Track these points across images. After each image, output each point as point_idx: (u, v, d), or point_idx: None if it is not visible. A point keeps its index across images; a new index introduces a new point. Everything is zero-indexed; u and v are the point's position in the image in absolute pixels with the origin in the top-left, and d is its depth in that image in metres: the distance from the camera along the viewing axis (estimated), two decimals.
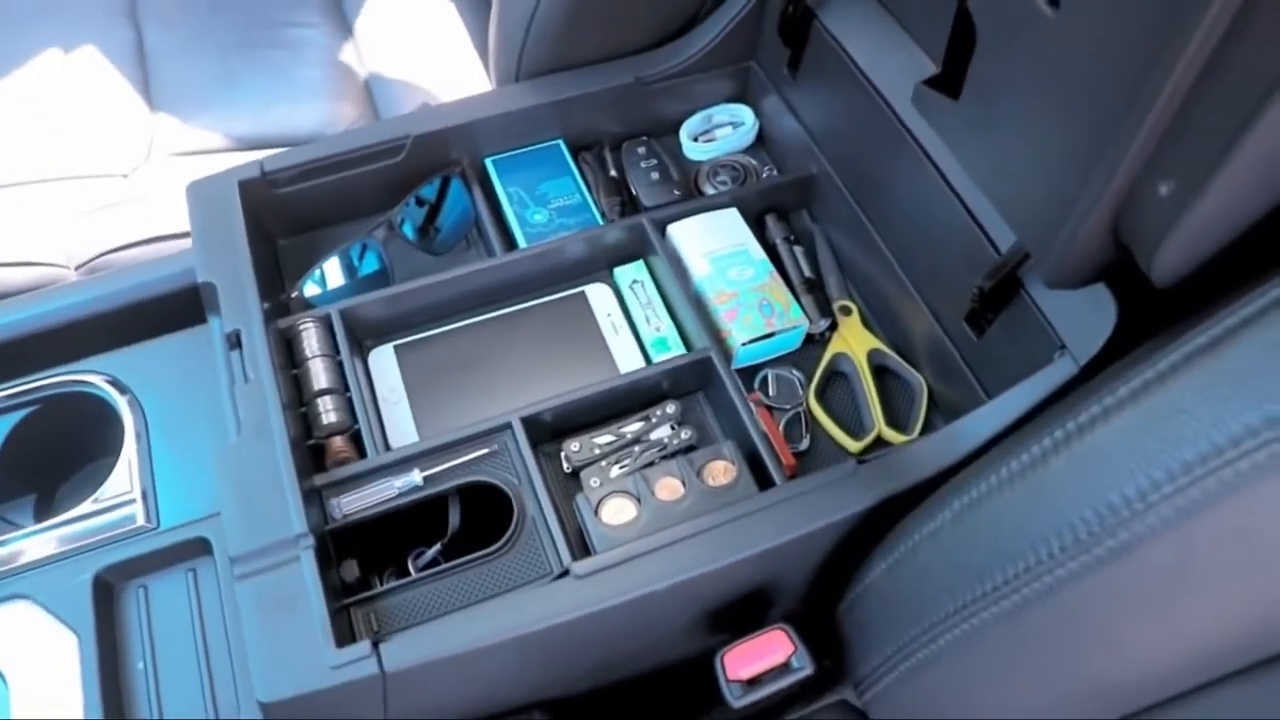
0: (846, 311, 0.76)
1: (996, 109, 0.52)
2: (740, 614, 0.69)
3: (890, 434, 0.71)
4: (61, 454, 0.78)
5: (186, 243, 0.89)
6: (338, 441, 0.67)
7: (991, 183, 0.56)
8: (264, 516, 0.60)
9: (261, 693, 0.54)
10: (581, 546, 0.63)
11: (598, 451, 0.68)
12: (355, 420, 0.67)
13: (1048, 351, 0.61)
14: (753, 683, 0.63)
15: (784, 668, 0.63)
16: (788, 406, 0.73)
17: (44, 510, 0.77)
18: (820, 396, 0.73)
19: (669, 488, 0.64)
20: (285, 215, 0.79)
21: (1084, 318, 0.59)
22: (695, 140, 0.86)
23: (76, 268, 0.88)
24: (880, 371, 0.74)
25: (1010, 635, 0.53)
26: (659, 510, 0.63)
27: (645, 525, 0.62)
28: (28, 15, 1.04)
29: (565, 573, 0.58)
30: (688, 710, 0.79)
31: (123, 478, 0.70)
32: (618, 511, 0.63)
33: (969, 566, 0.53)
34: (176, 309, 0.80)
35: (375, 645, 0.55)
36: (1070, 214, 0.49)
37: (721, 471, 0.64)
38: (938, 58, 0.65)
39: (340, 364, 0.70)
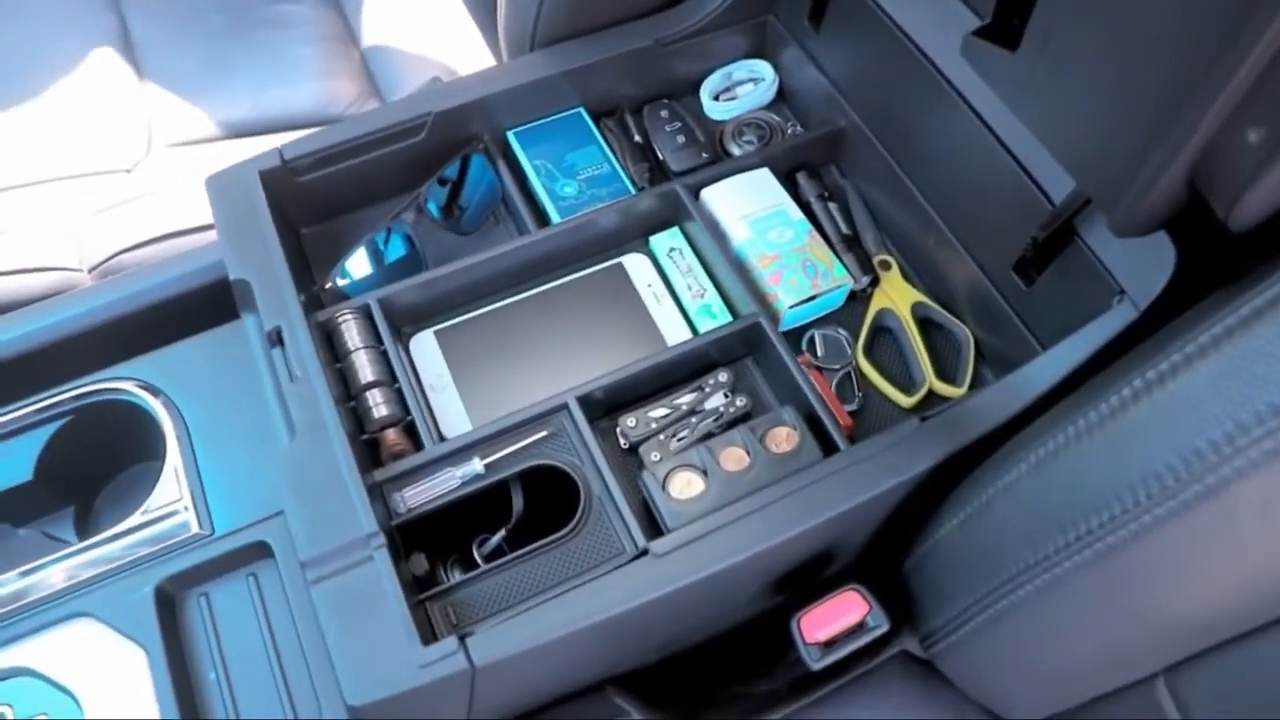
0: (886, 266, 0.76)
1: (1063, 58, 0.51)
2: (802, 575, 0.69)
3: (942, 387, 0.71)
4: (96, 464, 0.76)
5: (200, 238, 0.87)
6: (391, 434, 0.66)
7: (1051, 134, 0.55)
8: (331, 518, 0.59)
9: (351, 696, 0.54)
10: (649, 523, 0.63)
11: (654, 426, 0.67)
12: (407, 411, 0.66)
13: (1105, 298, 0.61)
14: (829, 644, 0.63)
15: (859, 627, 0.64)
16: (837, 366, 0.72)
17: (84, 523, 0.76)
18: (868, 353, 0.73)
19: (734, 457, 0.63)
20: (307, 203, 0.76)
21: (1142, 263, 0.59)
22: (716, 99, 0.84)
23: (90, 270, 0.85)
24: (924, 324, 0.74)
25: (1092, 583, 0.53)
26: (727, 481, 0.62)
27: (715, 498, 0.62)
28: (2, 6, 0.99)
29: (644, 552, 0.58)
30: (746, 669, 0.80)
31: (170, 485, 0.68)
32: (685, 485, 0.63)
33: (1049, 517, 0.54)
34: (202, 307, 0.78)
35: (461, 640, 0.55)
36: (1145, 163, 0.48)
37: (784, 438, 0.64)
38: (982, 7, 0.64)
39: (385, 354, 0.68)
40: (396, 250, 0.76)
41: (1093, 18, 0.48)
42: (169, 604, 0.65)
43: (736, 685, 0.77)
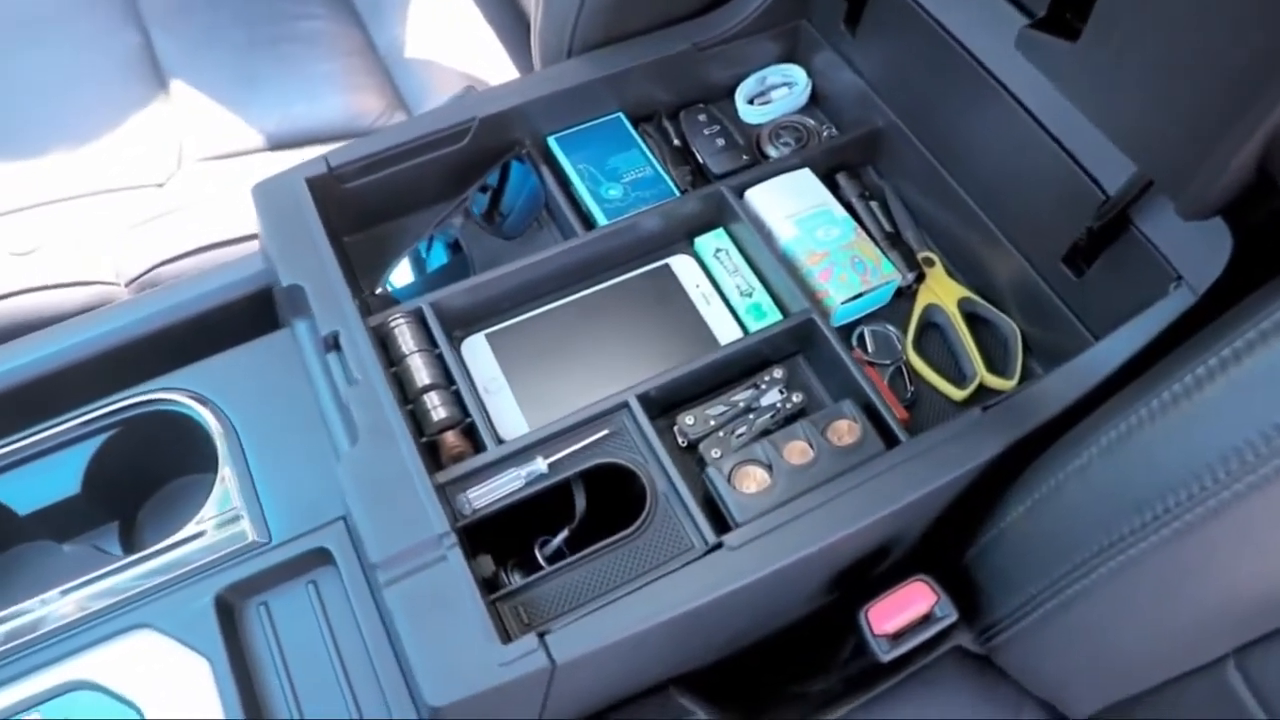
0: (930, 263, 0.77)
1: (1129, 45, 0.52)
2: (859, 570, 0.69)
3: (993, 380, 0.71)
4: (142, 477, 0.75)
5: (234, 250, 0.87)
6: (450, 437, 0.66)
7: (1113, 121, 0.56)
8: (401, 519, 0.58)
9: (432, 697, 0.53)
10: (715, 519, 0.63)
11: (713, 423, 0.67)
12: (466, 413, 0.66)
13: (1160, 285, 0.61)
14: (897, 636, 0.63)
15: (926, 618, 0.64)
16: (888, 361, 0.73)
17: (128, 537, 0.75)
18: (918, 348, 0.73)
19: (798, 451, 0.64)
20: (350, 210, 0.76)
21: (1198, 248, 0.60)
22: (751, 103, 0.85)
23: (127, 284, 0.85)
24: (971, 319, 0.75)
25: (1167, 563, 0.54)
26: (793, 475, 0.62)
27: (782, 491, 0.62)
28: (27, 25, 0.99)
29: (717, 546, 0.58)
30: (800, 669, 0.79)
31: (224, 494, 0.67)
32: (752, 479, 0.63)
33: (1123, 498, 0.54)
34: (242, 319, 0.77)
35: (541, 637, 0.54)
36: (1218, 145, 0.49)
37: (846, 430, 0.64)
38: (1028, 1, 0.65)
39: (440, 357, 0.68)
40: (439, 257, 0.76)
41: (1161, 6, 0.49)
42: (229, 613, 0.64)
43: (792, 685, 0.77)
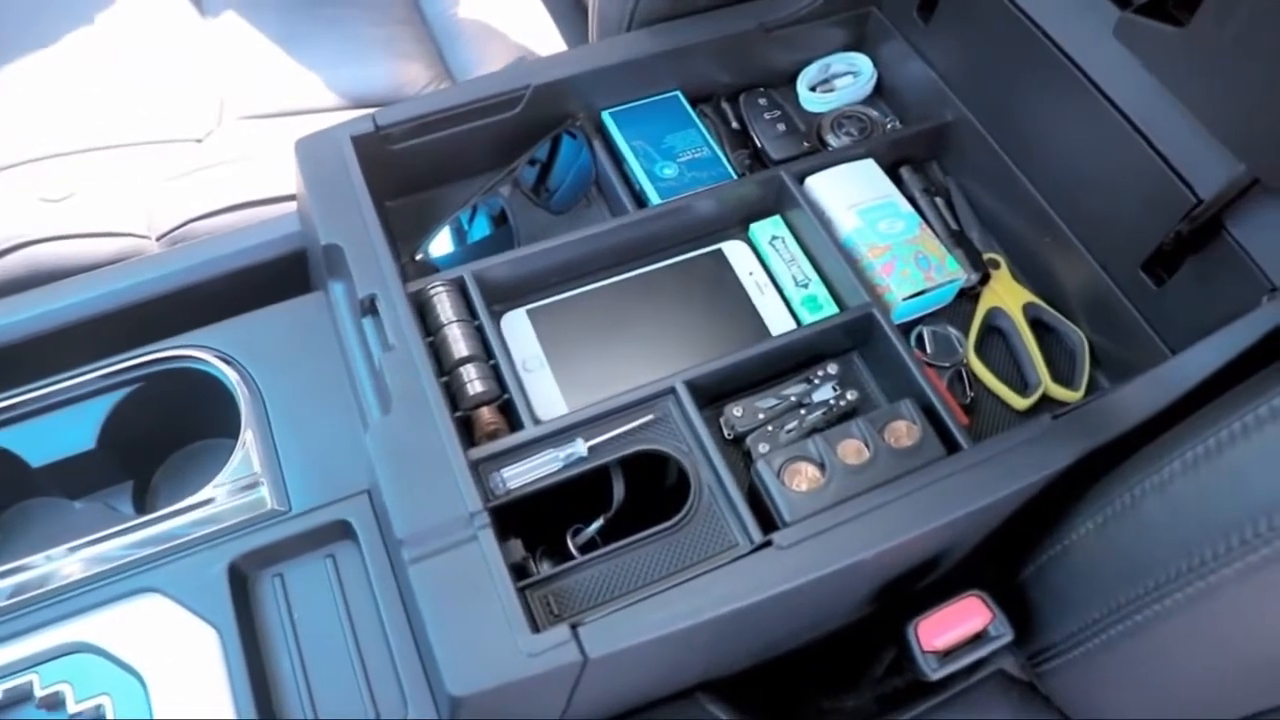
0: (995, 264, 0.73)
1: (1248, 32, 0.48)
2: (907, 580, 0.65)
3: (1058, 390, 0.67)
4: (160, 437, 0.72)
5: (270, 210, 0.84)
6: (486, 413, 0.62)
7: (1219, 114, 0.53)
8: (431, 494, 0.55)
9: (453, 685, 0.50)
10: (761, 516, 0.59)
11: (762, 416, 0.64)
12: (503, 389, 0.63)
13: (1253, 295, 0.58)
14: (947, 654, 0.60)
15: (979, 637, 0.60)
16: (947, 364, 0.69)
17: (143, 498, 0.72)
18: (979, 352, 0.70)
19: (853, 450, 0.60)
20: (395, 174, 0.73)
21: None
22: (813, 90, 0.82)
23: (158, 238, 0.82)
24: (1035, 325, 0.71)
25: (1254, 593, 0.50)
26: (847, 475, 0.59)
27: (836, 491, 0.58)
28: None
29: (766, 544, 0.54)
30: (832, 683, 0.76)
31: (245, 459, 0.64)
32: (803, 477, 0.59)
33: (1208, 520, 0.50)
34: (275, 278, 0.75)
35: (574, 629, 0.51)
36: None
37: (905, 432, 0.61)
38: None
39: (480, 329, 0.65)
40: (482, 228, 0.73)
41: None
42: (242, 583, 0.60)
43: (823, 699, 0.73)
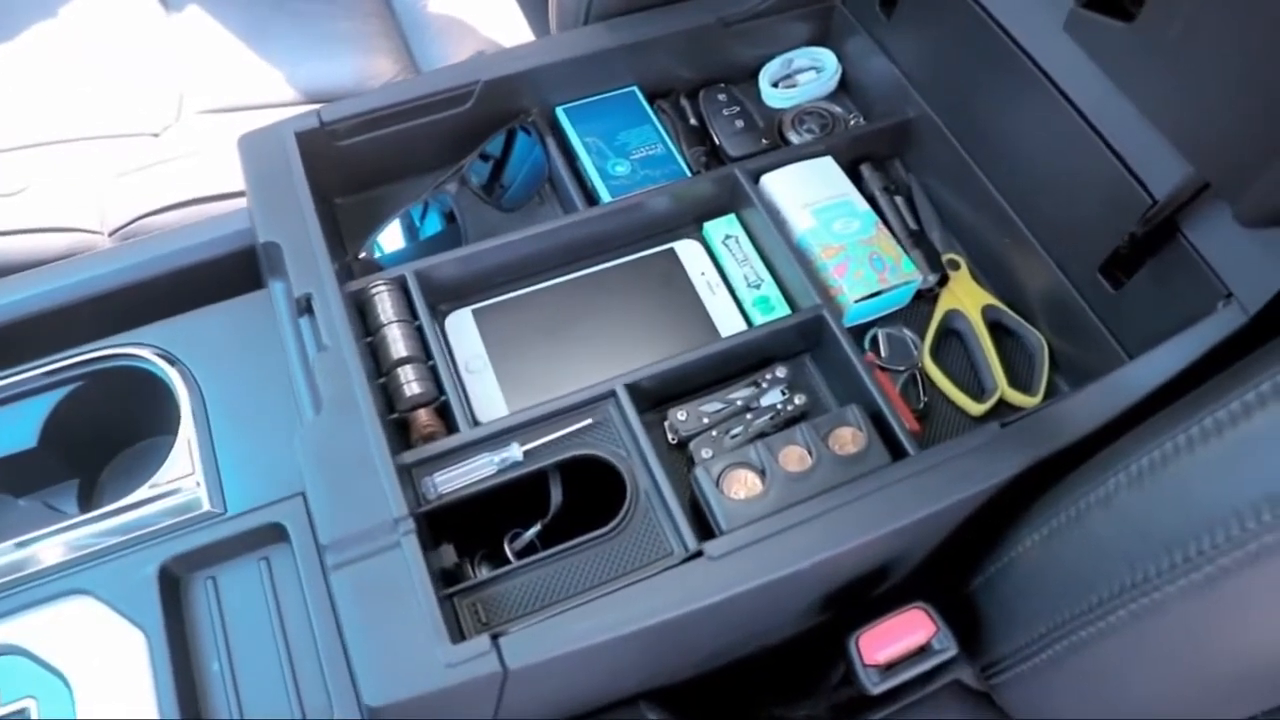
0: (955, 265, 0.71)
1: (1192, 31, 0.46)
2: (855, 591, 0.64)
3: (1015, 395, 0.66)
4: (105, 435, 0.71)
5: (225, 205, 0.83)
6: (423, 415, 0.61)
7: (1167, 115, 0.51)
8: (356, 499, 0.54)
9: (370, 695, 0.49)
10: (700, 524, 0.58)
11: (706, 420, 0.62)
12: (441, 391, 0.61)
13: (1208, 301, 0.56)
14: (889, 667, 0.58)
15: (922, 650, 0.58)
16: (901, 368, 0.67)
17: (87, 497, 0.71)
18: (935, 356, 0.68)
19: (795, 457, 0.58)
20: (342, 171, 0.72)
21: (1252, 263, 0.54)
22: (775, 86, 0.80)
23: (111, 233, 0.81)
24: (994, 328, 0.69)
25: (1198, 610, 0.48)
26: (788, 482, 0.57)
27: (775, 499, 0.57)
28: None
29: (697, 554, 0.53)
30: (784, 691, 0.74)
31: (183, 459, 0.64)
32: (742, 484, 0.58)
33: (1151, 535, 0.49)
34: (225, 275, 0.73)
35: (494, 640, 0.49)
36: None
37: (850, 439, 0.59)
38: None
39: (419, 329, 0.64)
40: (434, 225, 0.72)
41: None
42: (174, 585, 0.60)
43: (775, 708, 0.72)
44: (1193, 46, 0.47)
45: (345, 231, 0.73)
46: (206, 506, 0.62)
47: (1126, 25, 0.50)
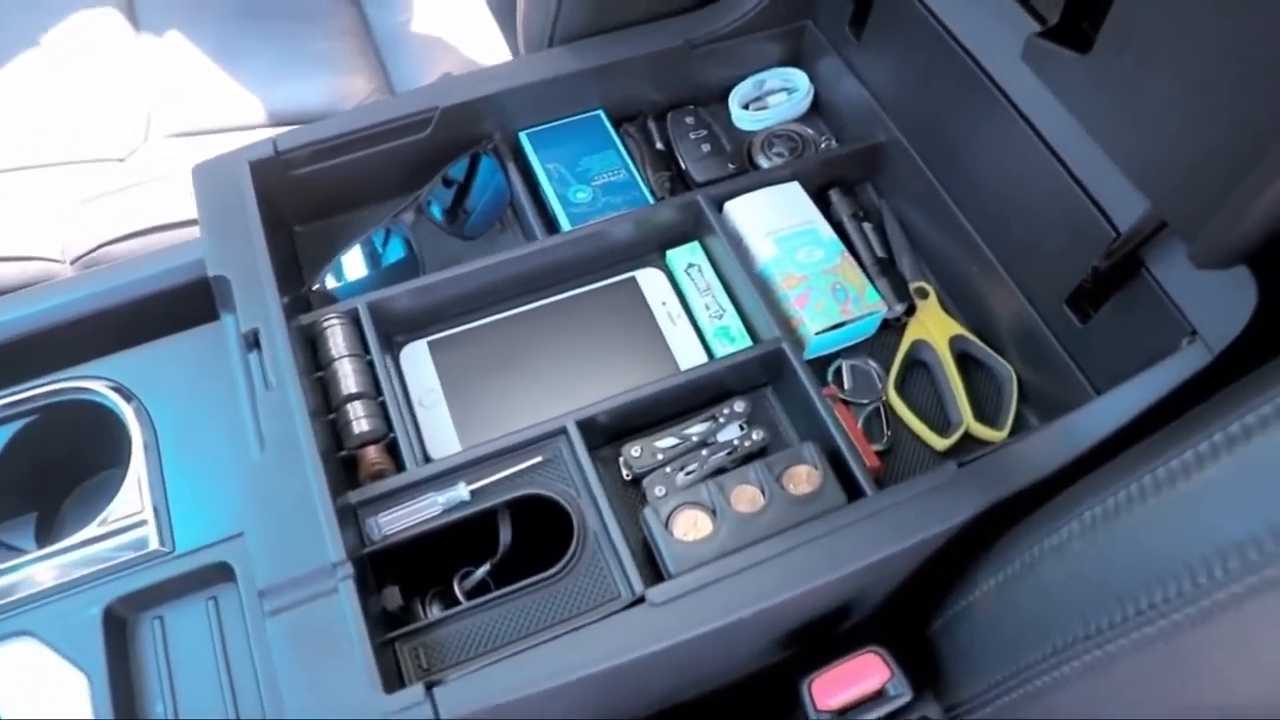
0: (923, 294, 0.69)
1: (1145, 63, 0.45)
2: (815, 630, 0.62)
3: (980, 430, 0.64)
4: (63, 468, 0.71)
5: (191, 232, 0.82)
6: (372, 452, 0.60)
7: (1124, 149, 0.49)
8: (295, 543, 0.53)
9: None
10: (650, 565, 0.57)
11: (661, 457, 0.61)
12: (390, 428, 0.60)
13: (1172, 338, 0.54)
14: (842, 712, 0.57)
15: (877, 695, 0.57)
16: (865, 401, 0.66)
17: (46, 531, 0.70)
18: (900, 388, 0.66)
19: (747, 497, 0.57)
20: (301, 199, 0.71)
21: (1218, 301, 0.52)
22: (746, 108, 0.79)
23: (72, 261, 0.81)
24: (963, 359, 0.67)
25: (1151, 665, 0.46)
26: (738, 524, 0.56)
27: (724, 541, 0.55)
28: None
29: (640, 599, 0.52)
30: None
31: (132, 496, 0.63)
32: (692, 525, 0.56)
33: (1104, 586, 0.47)
34: (185, 305, 0.72)
35: (429, 689, 0.48)
36: (1238, 187, 0.42)
37: (804, 478, 0.58)
38: (1045, 11, 0.58)
39: (370, 364, 0.63)
40: (395, 253, 0.71)
41: (1187, 17, 0.42)
42: (119, 626, 0.59)
43: None
44: (1146, 77, 0.45)
45: (305, 259, 0.72)
46: (155, 545, 0.61)
47: (1082, 56, 0.48)
